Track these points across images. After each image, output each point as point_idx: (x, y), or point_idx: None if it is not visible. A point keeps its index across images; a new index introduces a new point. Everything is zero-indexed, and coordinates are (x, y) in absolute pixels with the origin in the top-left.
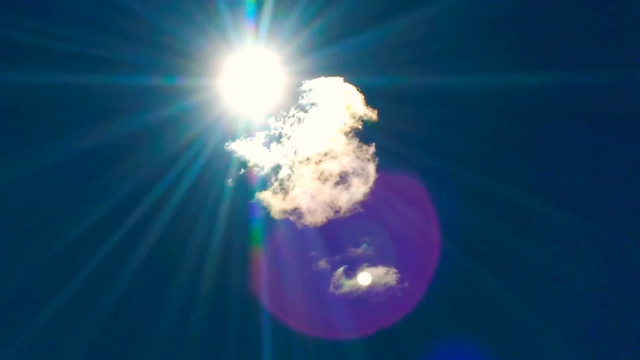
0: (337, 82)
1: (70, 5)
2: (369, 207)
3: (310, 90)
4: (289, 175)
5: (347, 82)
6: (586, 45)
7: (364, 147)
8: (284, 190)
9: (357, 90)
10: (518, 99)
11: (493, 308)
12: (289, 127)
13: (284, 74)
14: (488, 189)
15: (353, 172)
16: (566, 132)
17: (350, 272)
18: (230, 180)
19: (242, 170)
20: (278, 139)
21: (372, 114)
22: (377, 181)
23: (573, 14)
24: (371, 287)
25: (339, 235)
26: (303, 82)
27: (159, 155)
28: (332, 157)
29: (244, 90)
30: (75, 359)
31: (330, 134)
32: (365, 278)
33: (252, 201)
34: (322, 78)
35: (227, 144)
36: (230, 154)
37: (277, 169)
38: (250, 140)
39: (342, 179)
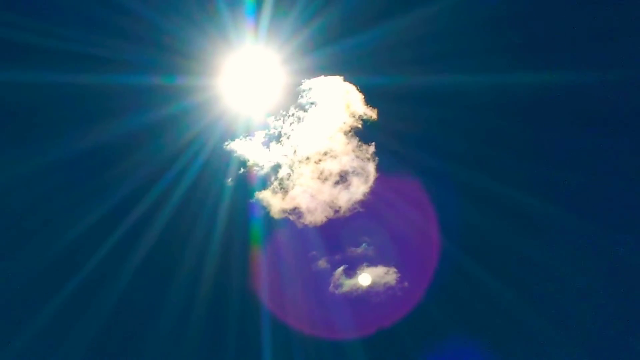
0: (337, 81)
1: (70, 5)
2: (368, 206)
3: (310, 89)
4: (289, 175)
5: (347, 81)
6: (586, 45)
7: (364, 146)
8: (284, 189)
9: (357, 89)
10: (517, 98)
11: (493, 308)
12: (288, 127)
13: (284, 73)
14: (488, 189)
15: (353, 172)
16: (566, 132)
17: (350, 272)
18: (229, 180)
19: (242, 170)
20: (278, 138)
21: (371, 113)
22: (376, 181)
23: (573, 14)
24: (371, 287)
25: (339, 235)
26: (303, 81)
27: (159, 154)
28: (331, 156)
29: (243, 89)
30: (76, 358)
31: (330, 133)
32: (365, 278)
33: (251, 200)
34: (322, 77)
35: (226, 143)
36: (229, 153)
37: (276, 168)
38: (250, 139)
39: (342, 179)
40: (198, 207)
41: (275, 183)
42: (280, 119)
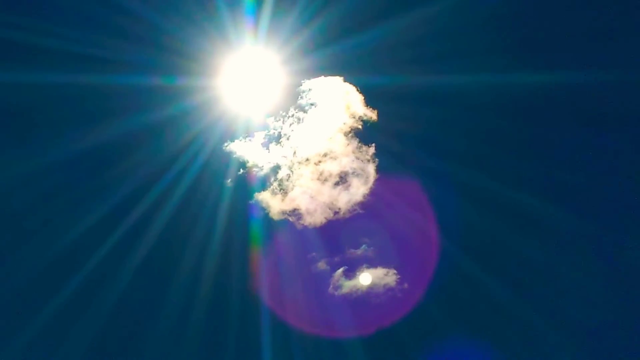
0: (337, 81)
1: (70, 5)
2: (368, 208)
3: (310, 90)
4: (289, 176)
5: (347, 82)
6: (586, 45)
7: (364, 147)
8: (283, 190)
9: (357, 90)
10: (517, 98)
11: (492, 308)
12: (288, 127)
13: (284, 74)
14: (487, 189)
15: (353, 173)
16: (566, 132)
17: (350, 273)
18: (229, 181)
19: (242, 171)
20: (277, 139)
21: (371, 114)
22: (376, 182)
23: (572, 13)
24: (371, 288)
25: (339, 236)
26: (302, 81)
27: (159, 155)
28: (331, 157)
29: (243, 90)
30: (76, 358)
31: (330, 134)
32: (364, 279)
33: (251, 202)
34: (322, 78)
35: (226, 144)
36: (229, 154)
37: (276, 169)
38: (250, 140)
39: (342, 180)
40: (197, 208)
41: (275, 184)
42: (279, 120)
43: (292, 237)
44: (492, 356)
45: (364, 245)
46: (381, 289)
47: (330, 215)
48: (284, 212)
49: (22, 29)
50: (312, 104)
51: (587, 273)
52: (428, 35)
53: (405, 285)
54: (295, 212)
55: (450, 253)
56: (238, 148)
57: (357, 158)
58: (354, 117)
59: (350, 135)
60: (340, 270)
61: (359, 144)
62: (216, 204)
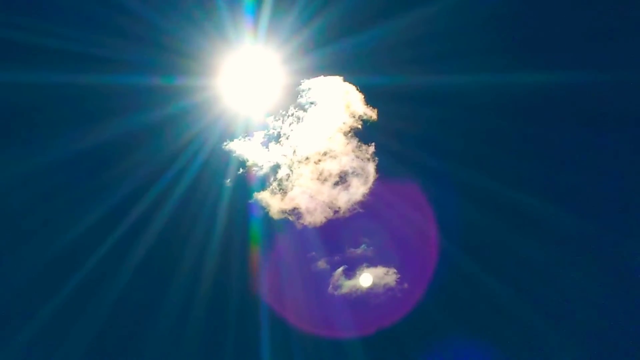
0: (337, 81)
1: (69, 5)
2: (368, 207)
3: (310, 89)
4: (288, 175)
5: (347, 81)
6: (586, 45)
7: (364, 146)
8: (283, 190)
9: (357, 89)
10: (517, 98)
11: (492, 308)
12: (287, 127)
13: (283, 73)
14: (487, 189)
15: (352, 172)
16: (566, 132)
17: (350, 273)
18: (229, 180)
19: (241, 170)
20: (277, 138)
21: (371, 114)
22: (376, 181)
23: (572, 13)
24: (370, 288)
25: (338, 236)
26: (302, 81)
27: (158, 154)
28: (331, 156)
29: (242, 89)
30: (76, 357)
31: (330, 134)
32: (364, 278)
33: (251, 201)
34: (322, 77)
35: (225, 143)
36: (229, 154)
37: (276, 168)
38: (249, 139)
39: (342, 179)
40: (197, 207)
41: (275, 183)
42: (279, 119)
43: (291, 236)
44: (492, 356)
45: (363, 245)
46: (381, 289)
47: (330, 214)
48: (283, 212)
49: (22, 28)
50: (311, 103)
51: (587, 273)
52: (428, 35)
53: (405, 284)
54: (295, 212)
55: (449, 252)
56: (238, 147)
57: (357, 157)
58: (354, 117)
59: (349, 134)
60: (340, 269)
61: (359, 144)
62: (216, 203)
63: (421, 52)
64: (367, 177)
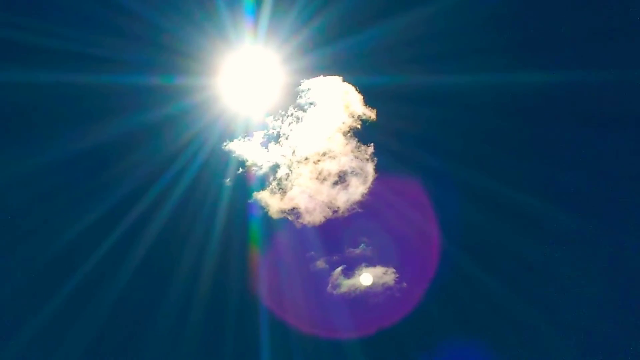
0: (336, 81)
1: (69, 5)
2: (367, 207)
3: (309, 89)
4: (287, 175)
5: (346, 81)
6: (586, 45)
7: (363, 146)
8: (282, 190)
9: (356, 89)
10: (517, 98)
11: (493, 308)
12: (287, 127)
13: (283, 73)
14: (487, 189)
15: (352, 172)
16: (566, 132)
17: (349, 272)
18: (228, 180)
19: (240, 170)
20: (276, 138)
21: (370, 114)
22: (375, 181)
23: (572, 13)
24: (369, 287)
25: (337, 235)
26: (301, 81)
27: (158, 154)
28: (330, 156)
29: (242, 89)
30: (75, 357)
31: (329, 134)
32: (363, 278)
33: (250, 201)
34: (321, 77)
35: (225, 143)
36: (228, 154)
37: (275, 168)
38: (249, 139)
39: (341, 179)
40: (196, 207)
41: (274, 183)
42: (279, 119)
43: (291, 236)
44: (491, 356)
45: (362, 245)
46: (380, 288)
47: (329, 214)
48: (283, 211)
49: (21, 28)
50: (311, 104)
51: (587, 273)
52: (427, 35)
53: (404, 284)
54: (294, 211)
55: (448, 252)
56: (237, 147)
57: (356, 157)
58: (353, 117)
59: (349, 134)
60: (339, 269)
61: (358, 144)
62: (215, 203)
63: (420, 52)
64: (366, 177)
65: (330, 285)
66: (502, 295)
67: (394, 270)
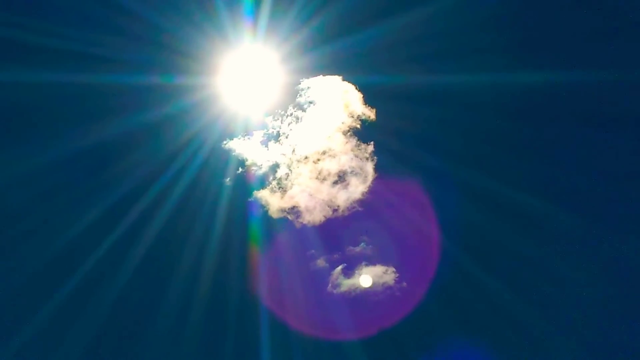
0: (336, 80)
1: (69, 4)
2: (367, 206)
3: (309, 88)
4: (287, 174)
5: (346, 80)
6: (586, 45)
7: (363, 146)
8: (282, 189)
9: (356, 88)
10: (516, 98)
11: (493, 308)
12: (287, 126)
13: (282, 73)
14: (487, 188)
15: (351, 171)
16: (566, 132)
17: (349, 271)
18: (228, 179)
19: (240, 169)
20: (276, 137)
21: (370, 113)
22: (375, 180)
23: (572, 13)
24: (369, 287)
25: (337, 234)
26: (301, 80)
27: (157, 153)
28: (330, 155)
29: (242, 88)
30: (75, 357)
31: (329, 133)
32: (363, 277)
33: (250, 200)
34: (320, 76)
35: (225, 142)
36: (228, 153)
37: (275, 167)
38: (248, 138)
39: (341, 178)
40: (196, 206)
41: (274, 182)
42: (278, 119)
43: (291, 235)
44: (492, 356)
45: (362, 243)
46: (380, 287)
47: (329, 213)
48: (283, 210)
49: (21, 27)
50: (310, 103)
51: (587, 273)
52: (427, 34)
53: (404, 283)
54: (294, 210)
55: (448, 252)
56: (237, 146)
57: (356, 156)
58: (353, 116)
59: (348, 133)
60: (339, 268)
61: (358, 143)
62: (215, 202)
63: (420, 52)
64: (366, 176)
65: (330, 284)
66: (502, 295)
67: (394, 269)
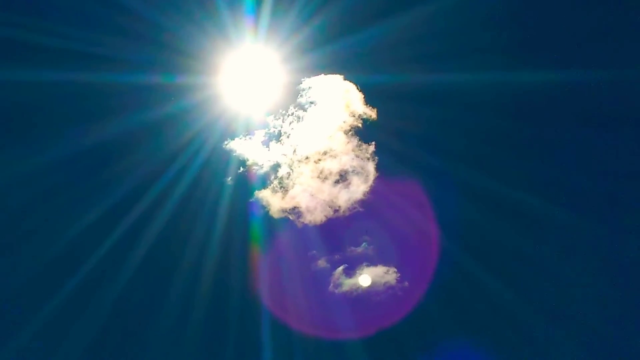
0: (337, 80)
1: (70, 4)
2: (368, 206)
3: (310, 88)
4: (289, 174)
5: (347, 80)
6: (586, 44)
7: (364, 145)
8: (284, 188)
9: (357, 88)
10: (517, 97)
11: (493, 308)
12: (288, 126)
13: (283, 72)
14: (488, 188)
15: (352, 171)
16: (566, 131)
17: (350, 271)
18: (229, 179)
19: (242, 169)
20: (277, 137)
21: (371, 113)
22: (376, 180)
23: (572, 13)
24: (371, 287)
25: (339, 234)
26: (302, 80)
27: (159, 153)
28: (331, 155)
29: (243, 88)
30: (76, 356)
31: (330, 133)
32: (364, 277)
33: (251, 200)
34: (322, 76)
35: (226, 142)
36: (229, 153)
37: (276, 167)
38: (250, 138)
39: (342, 178)
40: (198, 206)
41: (275, 182)
42: (279, 118)
43: (292, 235)
44: (492, 356)
45: (364, 244)
46: (381, 287)
47: (330, 213)
48: (284, 210)
49: (22, 27)
50: (312, 102)
51: (587, 273)
52: (428, 34)
53: (406, 283)
54: (295, 210)
55: (449, 251)
56: (238, 146)
57: (357, 156)
58: (354, 116)
59: (350, 133)
60: (340, 268)
61: (359, 142)
62: (216, 202)
63: (421, 51)
64: (367, 176)
65: (331, 284)
66: (502, 294)
67: (395, 269)
